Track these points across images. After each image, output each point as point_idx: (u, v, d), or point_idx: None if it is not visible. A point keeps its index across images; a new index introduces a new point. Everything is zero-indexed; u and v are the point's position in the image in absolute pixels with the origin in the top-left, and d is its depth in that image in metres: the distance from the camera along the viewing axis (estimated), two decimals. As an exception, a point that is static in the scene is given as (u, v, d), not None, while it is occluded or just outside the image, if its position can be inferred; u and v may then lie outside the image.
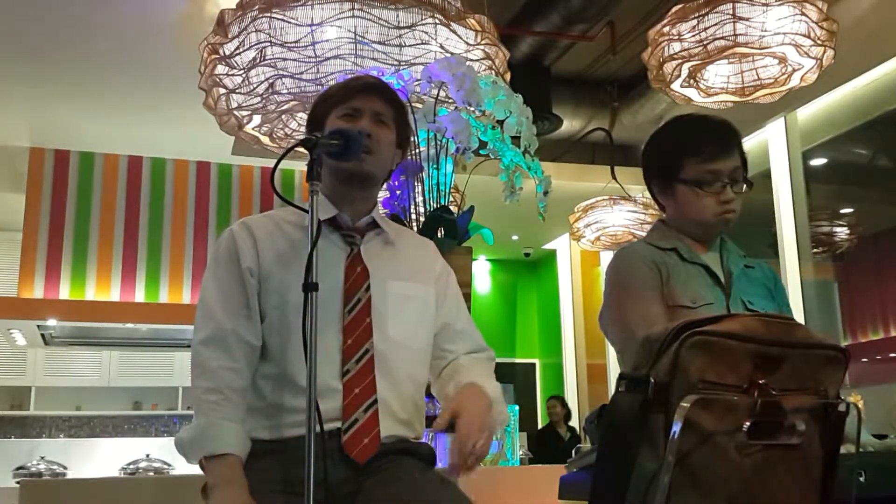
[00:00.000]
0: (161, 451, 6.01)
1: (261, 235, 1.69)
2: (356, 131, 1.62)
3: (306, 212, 1.52)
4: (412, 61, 2.53)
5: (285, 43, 2.50)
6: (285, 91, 2.63)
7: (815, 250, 4.90)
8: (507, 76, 2.80)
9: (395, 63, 2.51)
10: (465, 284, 2.32)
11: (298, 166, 1.63)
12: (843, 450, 1.39)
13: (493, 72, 2.70)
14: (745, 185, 1.90)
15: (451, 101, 2.32)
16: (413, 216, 2.44)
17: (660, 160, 1.95)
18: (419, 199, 2.43)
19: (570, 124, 5.56)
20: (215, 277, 1.68)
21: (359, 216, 1.73)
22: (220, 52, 2.62)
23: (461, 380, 1.67)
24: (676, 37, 3.01)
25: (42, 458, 5.96)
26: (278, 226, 1.72)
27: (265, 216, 1.77)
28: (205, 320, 1.63)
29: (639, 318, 1.75)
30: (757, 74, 3.21)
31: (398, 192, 2.46)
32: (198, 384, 1.58)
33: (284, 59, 2.54)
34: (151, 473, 5.64)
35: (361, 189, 1.72)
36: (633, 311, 1.78)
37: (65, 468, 5.93)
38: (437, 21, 2.52)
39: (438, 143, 2.38)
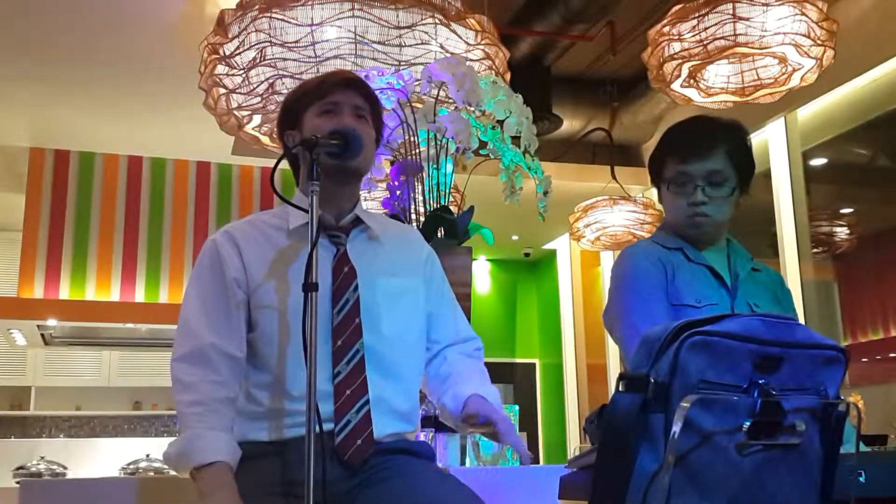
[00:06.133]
0: (161, 451, 6.00)
1: (245, 243, 1.67)
2: (355, 131, 1.62)
3: (306, 212, 1.52)
4: (412, 61, 2.53)
5: (285, 43, 2.50)
6: (285, 91, 2.62)
7: (815, 250, 4.89)
8: (507, 76, 2.80)
9: (395, 63, 2.51)
10: (465, 284, 2.32)
11: (298, 166, 1.64)
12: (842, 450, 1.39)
13: (493, 72, 2.70)
14: (732, 190, 1.87)
15: (451, 101, 2.32)
16: (413, 216, 2.43)
17: (650, 160, 1.97)
18: (419, 199, 2.43)
19: (570, 124, 5.56)
20: (198, 290, 1.66)
21: (342, 214, 1.71)
22: (220, 52, 2.62)
23: (461, 391, 1.68)
24: (676, 37, 3.01)
25: (42, 458, 5.95)
26: (262, 231, 1.70)
27: (247, 222, 1.75)
28: (184, 337, 1.61)
29: (644, 315, 1.75)
30: (757, 74, 3.20)
31: (398, 192, 2.46)
32: (180, 398, 1.57)
33: (284, 59, 2.54)
34: (151, 473, 5.64)
35: (346, 185, 1.71)
36: (639, 308, 1.78)
37: (65, 468, 5.93)
38: (437, 21, 2.52)
39: (438, 143, 2.38)
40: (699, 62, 3.03)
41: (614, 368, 6.66)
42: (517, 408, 3.20)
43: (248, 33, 2.53)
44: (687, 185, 1.86)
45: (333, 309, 1.61)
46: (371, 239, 1.74)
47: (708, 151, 1.85)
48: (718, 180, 1.85)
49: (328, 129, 1.63)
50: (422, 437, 1.73)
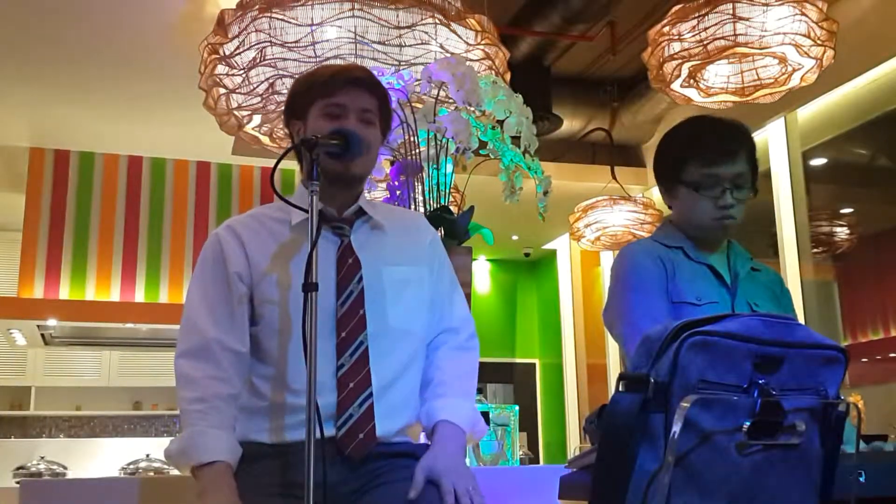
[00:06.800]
0: (161, 451, 5.99)
1: (247, 237, 1.66)
2: (356, 132, 1.61)
3: (306, 211, 1.51)
4: (412, 61, 2.53)
5: (285, 43, 2.50)
6: (285, 91, 2.62)
7: (815, 250, 4.89)
8: (507, 76, 2.80)
9: (395, 63, 2.51)
10: (465, 284, 2.31)
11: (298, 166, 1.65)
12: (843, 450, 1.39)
13: (493, 72, 2.70)
14: (750, 192, 1.88)
15: (451, 101, 2.32)
16: (413, 216, 2.43)
17: (665, 160, 1.95)
18: (419, 199, 2.43)
19: (570, 124, 5.56)
20: (201, 284, 1.66)
21: (345, 207, 1.70)
22: (220, 52, 2.62)
23: (434, 408, 1.64)
24: (676, 37, 3.01)
25: (42, 458, 5.95)
26: (264, 225, 1.69)
27: (249, 216, 1.74)
28: (188, 332, 1.61)
29: (644, 312, 1.75)
30: (757, 74, 3.21)
31: (398, 193, 2.46)
32: (183, 395, 1.56)
33: (284, 59, 2.54)
34: (151, 473, 5.64)
35: (347, 188, 1.70)
36: (639, 306, 1.78)
37: (65, 468, 5.93)
38: (437, 21, 2.52)
39: (438, 143, 2.38)
40: (699, 62, 3.03)
41: (614, 368, 6.66)
42: (517, 408, 3.21)
43: (248, 33, 2.53)
44: (715, 188, 1.85)
45: (337, 301, 1.60)
46: (375, 229, 1.72)
47: (734, 154, 1.86)
48: (742, 183, 1.87)
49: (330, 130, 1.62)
50: (422, 438, 1.72)
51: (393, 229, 1.74)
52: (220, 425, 1.54)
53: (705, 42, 2.90)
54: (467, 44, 2.62)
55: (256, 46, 2.54)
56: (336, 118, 1.65)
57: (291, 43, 2.49)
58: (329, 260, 1.63)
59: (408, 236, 1.77)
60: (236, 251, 1.65)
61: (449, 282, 1.80)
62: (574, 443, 7.28)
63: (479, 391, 3.14)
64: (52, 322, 5.42)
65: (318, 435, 1.41)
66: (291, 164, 1.83)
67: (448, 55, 2.53)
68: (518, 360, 8.56)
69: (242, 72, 2.62)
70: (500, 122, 2.42)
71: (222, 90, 2.73)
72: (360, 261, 1.64)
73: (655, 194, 2.10)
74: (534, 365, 8.59)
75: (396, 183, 2.45)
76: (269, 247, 1.66)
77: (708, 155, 1.86)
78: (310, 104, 1.68)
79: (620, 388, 1.28)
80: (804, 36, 2.87)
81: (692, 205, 1.89)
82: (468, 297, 2.30)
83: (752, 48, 2.90)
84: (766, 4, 2.83)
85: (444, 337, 1.75)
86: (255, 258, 1.65)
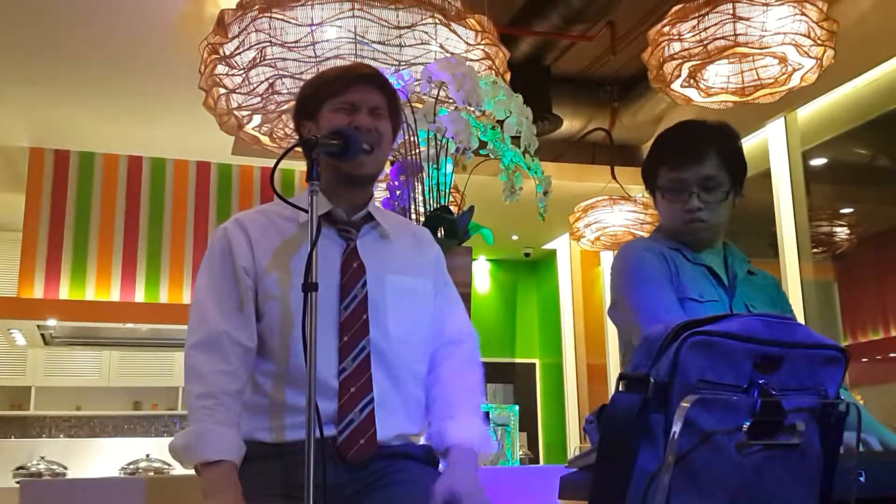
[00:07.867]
0: (161, 451, 6.00)
1: (255, 233, 1.66)
2: (356, 131, 1.61)
3: (305, 211, 1.51)
4: (412, 61, 2.53)
5: (285, 43, 2.50)
6: (285, 91, 2.63)
7: (815, 250, 4.89)
8: (507, 76, 2.80)
9: (395, 63, 2.51)
10: (465, 284, 2.32)
11: (298, 166, 1.64)
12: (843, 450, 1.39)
13: (493, 72, 2.70)
14: (727, 194, 1.87)
15: (451, 101, 2.32)
16: (413, 216, 2.43)
17: (644, 169, 1.98)
18: (419, 199, 2.43)
19: (570, 124, 5.56)
20: (209, 277, 1.66)
21: (355, 210, 1.70)
22: (220, 52, 2.62)
23: (444, 432, 1.63)
24: (676, 37, 3.01)
25: (42, 458, 5.96)
26: (272, 221, 1.69)
27: (258, 212, 1.74)
28: (198, 323, 1.61)
29: (659, 303, 1.75)
30: (757, 74, 3.20)
31: (398, 193, 2.46)
32: (191, 389, 1.56)
33: (284, 59, 2.55)
34: (151, 473, 5.64)
35: (353, 188, 1.70)
36: (653, 297, 1.77)
37: (65, 468, 5.93)
38: (437, 21, 2.52)
39: (438, 143, 2.38)
40: (699, 62, 3.03)
41: (614, 368, 6.66)
42: (517, 408, 3.21)
43: (248, 33, 2.53)
44: (682, 193, 1.86)
45: (341, 304, 1.60)
46: (382, 237, 1.73)
47: (700, 157, 1.85)
48: (712, 185, 1.85)
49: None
50: (422, 440, 1.72)
51: (399, 240, 1.75)
52: (225, 422, 1.53)
53: (705, 42, 2.90)
54: (467, 44, 2.62)
55: (256, 46, 2.54)
56: (348, 115, 1.66)
57: (291, 43, 2.49)
58: (333, 262, 1.63)
59: (414, 248, 1.77)
60: (243, 245, 1.65)
61: (453, 298, 1.81)
62: (574, 443, 7.28)
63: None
64: (52, 322, 5.42)
65: (318, 435, 1.41)
66: (291, 164, 1.83)
67: (448, 55, 2.53)
68: (518, 360, 8.56)
69: (242, 72, 2.62)
70: (500, 122, 2.42)
71: (222, 90, 2.73)
72: (365, 266, 1.64)
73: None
74: (534, 365, 8.58)
75: (396, 183, 2.46)
76: (275, 243, 1.66)
77: (671, 160, 1.87)
78: (320, 104, 1.68)
79: (620, 388, 1.28)
80: (804, 36, 2.87)
81: (664, 210, 1.91)
82: (468, 297, 2.30)
83: (753, 48, 2.90)
84: (766, 4, 2.83)
85: (446, 350, 1.73)
86: (261, 254, 1.64)
